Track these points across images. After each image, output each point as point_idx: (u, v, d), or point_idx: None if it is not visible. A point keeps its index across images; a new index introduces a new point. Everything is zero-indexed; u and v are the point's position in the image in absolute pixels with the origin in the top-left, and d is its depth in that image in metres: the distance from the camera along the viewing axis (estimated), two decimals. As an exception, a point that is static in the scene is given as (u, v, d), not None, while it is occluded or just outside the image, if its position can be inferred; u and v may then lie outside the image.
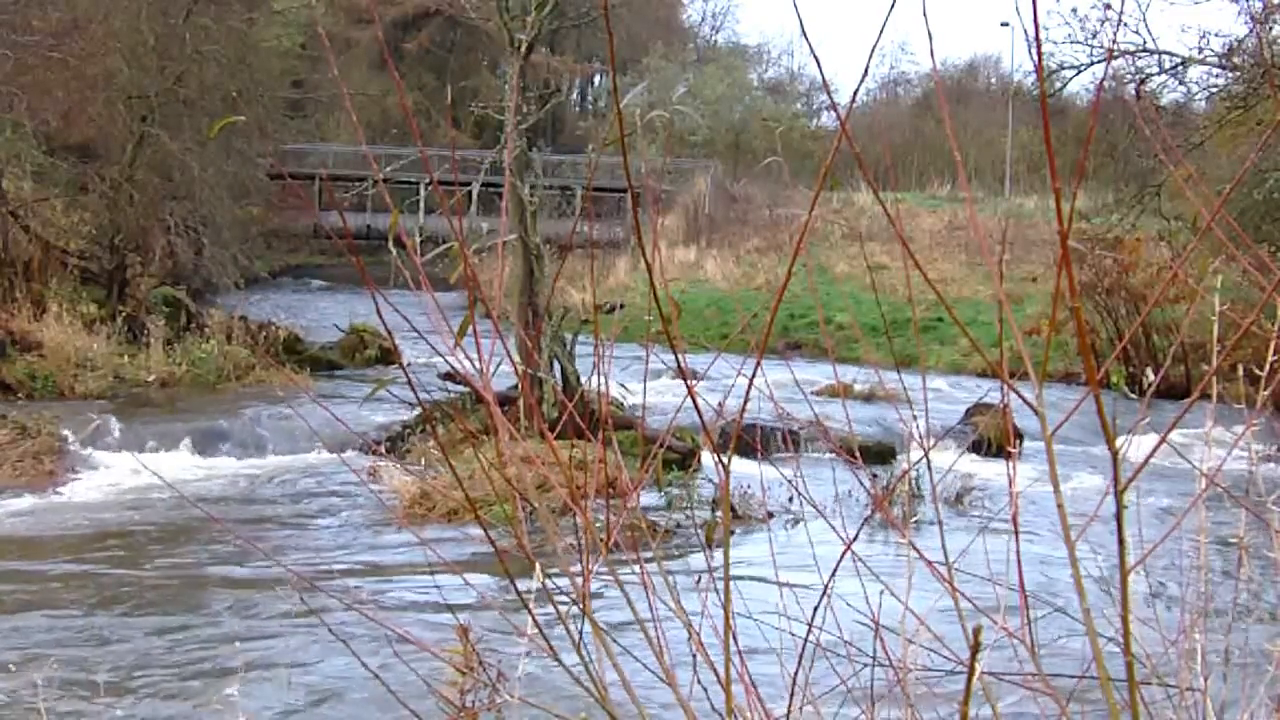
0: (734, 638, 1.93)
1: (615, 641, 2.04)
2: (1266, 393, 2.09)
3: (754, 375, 1.86)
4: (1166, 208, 20.34)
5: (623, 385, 12.10)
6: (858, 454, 2.49)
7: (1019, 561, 1.96)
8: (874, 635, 2.29)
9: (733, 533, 9.01)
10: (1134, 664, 1.59)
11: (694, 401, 1.91)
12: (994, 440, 14.27)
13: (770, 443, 12.34)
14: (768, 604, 2.70)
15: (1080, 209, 17.84)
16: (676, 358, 1.94)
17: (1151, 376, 2.04)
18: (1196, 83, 20.93)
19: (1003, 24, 47.44)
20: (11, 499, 11.96)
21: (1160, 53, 19.69)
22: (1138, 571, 1.64)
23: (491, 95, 30.40)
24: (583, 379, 13.70)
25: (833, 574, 2.18)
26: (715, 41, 60.26)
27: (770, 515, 10.60)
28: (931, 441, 2.29)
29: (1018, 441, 3.00)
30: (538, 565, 2.10)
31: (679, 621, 2.13)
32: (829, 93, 2.10)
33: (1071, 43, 20.18)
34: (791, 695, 2.07)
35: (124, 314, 18.46)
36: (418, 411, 13.46)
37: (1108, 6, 19.42)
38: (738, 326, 21.83)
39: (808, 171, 39.99)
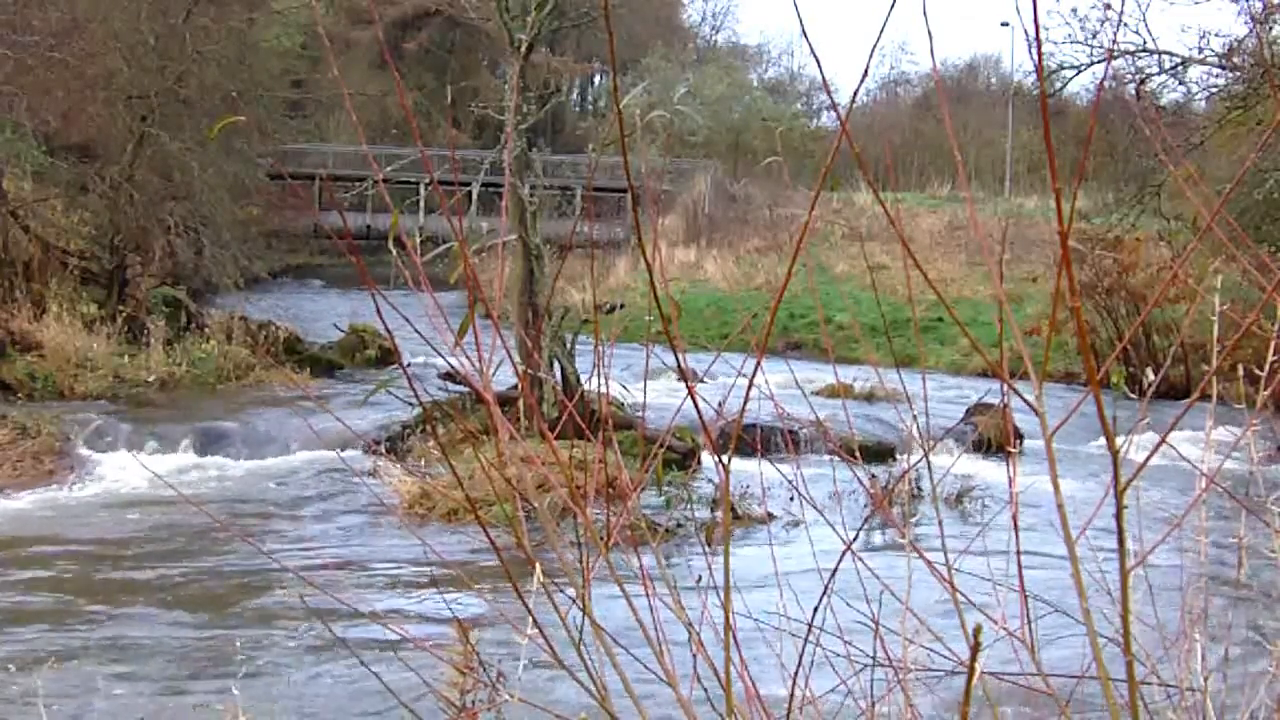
0: (734, 638, 1.93)
1: (615, 641, 2.04)
2: (1266, 393, 2.09)
3: (754, 375, 1.86)
4: (1166, 208, 20.35)
5: (623, 385, 12.09)
6: (858, 454, 2.49)
7: (1019, 561, 1.96)
8: (874, 635, 2.29)
9: (733, 533, 9.01)
10: (1134, 664, 1.59)
11: (694, 401, 1.91)
12: (994, 440, 14.28)
13: (770, 443, 12.33)
14: (768, 604, 2.70)
15: (1080, 209, 17.84)
16: (676, 358, 1.94)
17: (1151, 376, 2.04)
18: (1196, 83, 20.97)
19: (1003, 24, 47.47)
20: (11, 499, 11.97)
21: (1160, 53, 19.70)
22: (1138, 571, 1.64)
23: (491, 95, 30.37)
24: (583, 379, 13.70)
25: (833, 574, 2.18)
26: (715, 41, 60.31)
27: (770, 515, 10.60)
28: (931, 441, 2.29)
29: (1018, 441, 3.00)
30: (538, 565, 2.10)
31: (679, 621, 2.13)
32: (829, 93, 2.10)
33: (1071, 43, 20.22)
34: (791, 695, 2.07)
35: (124, 314, 18.46)
36: (418, 411, 13.46)
37: (1108, 6, 19.43)
38: (738, 326, 21.83)
39: (808, 171, 39.99)
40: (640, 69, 44.31)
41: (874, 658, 2.28)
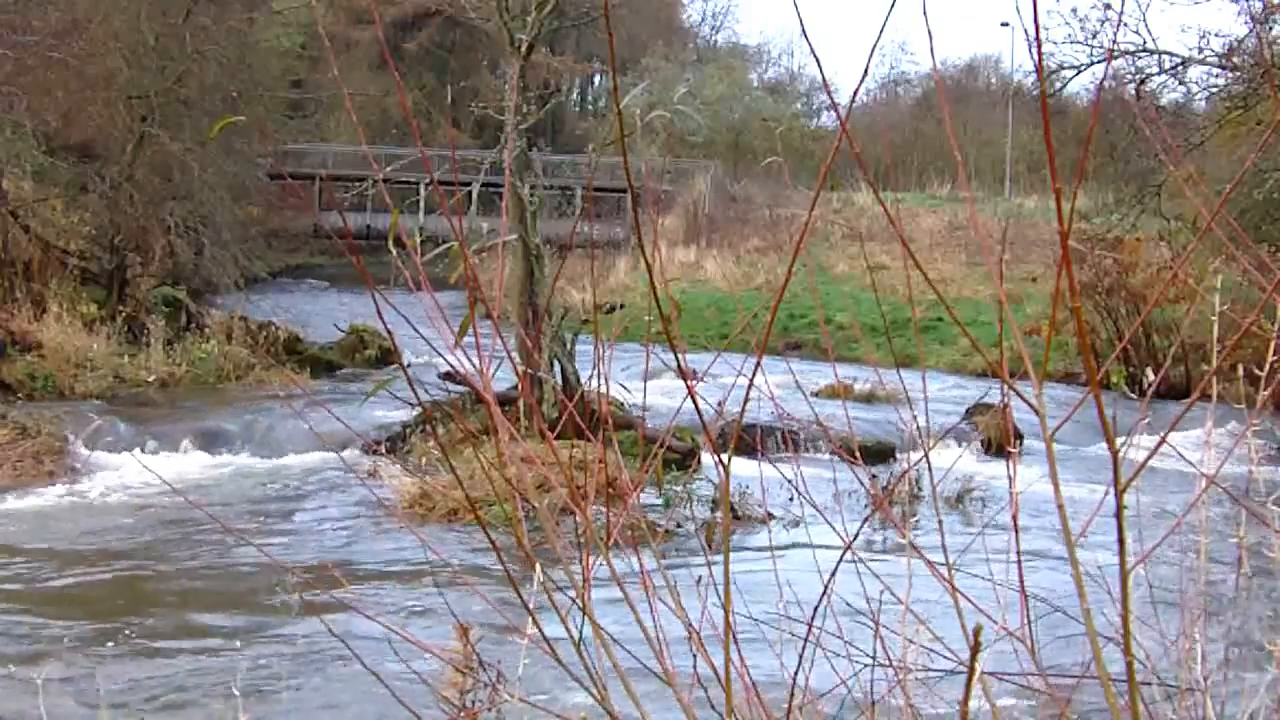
0: (734, 637, 1.93)
1: (615, 641, 2.04)
2: (1266, 393, 2.09)
3: (754, 375, 1.86)
4: (1166, 208, 20.35)
5: (623, 385, 12.09)
6: (858, 454, 2.49)
7: (1019, 561, 1.96)
8: (874, 635, 2.28)
9: (733, 533, 9.01)
10: (1134, 664, 1.59)
11: (694, 401, 1.91)
12: (994, 440, 14.28)
13: (770, 443, 12.33)
14: (768, 604, 2.70)
15: (1080, 209, 17.82)
16: (676, 358, 1.94)
17: (1151, 376, 2.05)
18: (1196, 83, 20.98)
19: (1003, 24, 47.38)
20: (11, 499, 11.96)
21: (1160, 53, 19.71)
22: (1138, 571, 1.64)
23: (491, 95, 30.34)
24: (583, 379, 13.70)
25: (833, 574, 2.18)
26: (715, 41, 60.25)
27: (770, 515, 10.59)
28: (931, 441, 2.29)
29: (1018, 441, 3.01)
30: (538, 565, 2.10)
31: (679, 621, 2.13)
32: (829, 93, 2.10)
33: (1071, 43, 20.22)
34: (791, 695, 2.06)
35: (124, 314, 18.46)
36: (418, 411, 13.45)
37: (1108, 6, 19.44)
38: (738, 326, 21.81)
39: (808, 171, 39.95)
40: (640, 69, 44.26)
41: (874, 658, 2.28)
